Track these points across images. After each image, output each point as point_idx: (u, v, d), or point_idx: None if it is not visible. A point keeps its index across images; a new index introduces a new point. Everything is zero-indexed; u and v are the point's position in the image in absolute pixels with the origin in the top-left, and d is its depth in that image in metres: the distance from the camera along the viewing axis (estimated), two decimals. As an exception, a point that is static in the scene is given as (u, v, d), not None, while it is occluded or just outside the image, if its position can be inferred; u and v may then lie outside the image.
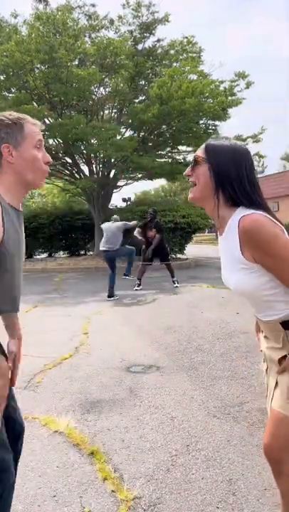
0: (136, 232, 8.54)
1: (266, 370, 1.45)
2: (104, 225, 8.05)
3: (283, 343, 1.32)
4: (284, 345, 1.32)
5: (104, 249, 7.69)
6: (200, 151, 1.34)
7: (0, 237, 1.21)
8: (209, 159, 1.30)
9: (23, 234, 1.42)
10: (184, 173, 1.38)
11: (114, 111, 15.57)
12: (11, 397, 1.46)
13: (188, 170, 1.36)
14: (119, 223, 7.96)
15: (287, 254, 1.20)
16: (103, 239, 7.80)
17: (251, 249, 1.23)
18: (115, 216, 8.49)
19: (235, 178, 1.27)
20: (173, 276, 8.70)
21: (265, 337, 1.46)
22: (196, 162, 1.33)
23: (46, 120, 13.71)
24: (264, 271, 1.25)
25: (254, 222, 1.21)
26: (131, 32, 14.00)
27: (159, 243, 8.73)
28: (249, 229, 1.21)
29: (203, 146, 1.35)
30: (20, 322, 1.58)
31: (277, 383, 1.33)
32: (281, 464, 1.33)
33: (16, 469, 1.43)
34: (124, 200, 16.15)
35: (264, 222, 1.21)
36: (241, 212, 1.25)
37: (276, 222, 1.24)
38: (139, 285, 8.54)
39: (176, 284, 8.55)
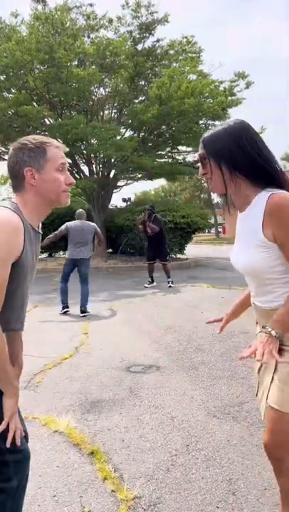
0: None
1: (259, 368, 1.45)
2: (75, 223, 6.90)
3: None
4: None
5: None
6: (200, 149, 1.38)
7: (19, 253, 1.26)
8: (209, 152, 1.34)
9: (38, 254, 1.48)
10: (199, 175, 1.42)
11: (114, 111, 15.57)
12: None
13: (201, 170, 1.41)
14: (92, 224, 6.92)
15: None
16: (74, 243, 6.84)
17: (274, 226, 1.25)
18: (81, 210, 7.23)
19: (241, 156, 1.29)
20: (168, 277, 8.66)
21: (259, 332, 1.45)
22: (202, 161, 1.38)
23: (46, 120, 13.71)
24: (279, 253, 1.27)
25: (283, 199, 1.24)
26: (130, 32, 13.99)
27: (161, 239, 8.74)
28: (277, 205, 1.23)
29: (201, 144, 1.39)
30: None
31: (273, 379, 1.33)
32: (282, 462, 1.34)
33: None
34: (124, 200, 16.17)
35: None
36: (268, 190, 1.28)
37: None
38: (151, 282, 8.76)
39: (171, 285, 8.50)
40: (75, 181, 1.43)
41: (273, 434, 1.33)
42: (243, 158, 1.29)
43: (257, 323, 1.49)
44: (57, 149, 1.37)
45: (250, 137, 1.31)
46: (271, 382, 1.33)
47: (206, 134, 1.38)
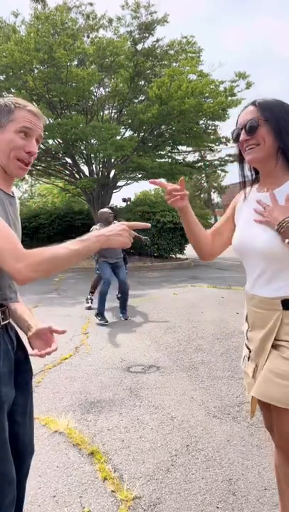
0: None
1: (247, 355, 1.40)
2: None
3: (272, 326, 1.26)
4: (272, 327, 1.26)
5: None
6: (254, 113, 1.29)
7: None
8: (269, 117, 1.26)
9: (18, 221, 1.36)
10: (241, 139, 1.31)
11: (113, 111, 15.57)
12: (20, 412, 1.34)
13: (243, 136, 1.30)
14: None
15: None
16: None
17: None
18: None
19: None
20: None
21: (246, 319, 1.40)
22: (253, 124, 1.27)
23: (46, 120, 13.71)
24: None
25: None
26: (130, 32, 14.00)
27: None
28: None
29: (251, 107, 1.30)
30: None
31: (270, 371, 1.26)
32: None
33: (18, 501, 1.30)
34: (124, 200, 16.13)
35: None
36: None
37: None
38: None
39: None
40: (36, 151, 1.30)
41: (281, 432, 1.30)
42: None
43: (246, 319, 1.40)
44: (28, 112, 1.26)
45: None
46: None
47: (262, 100, 1.30)
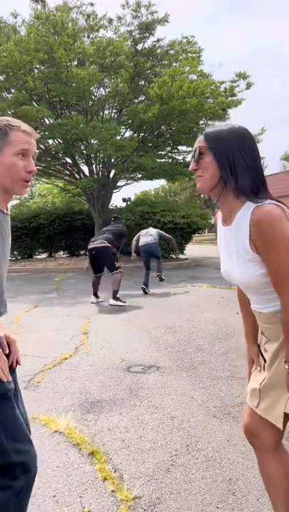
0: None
1: (263, 366, 1.41)
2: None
3: (283, 338, 1.29)
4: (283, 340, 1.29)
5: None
6: (201, 142, 1.30)
7: None
8: (212, 147, 1.27)
9: (9, 236, 1.41)
10: (190, 169, 1.34)
11: (113, 111, 15.57)
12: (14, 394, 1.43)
13: (192, 165, 1.32)
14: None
15: (283, 258, 1.17)
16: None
17: (256, 240, 1.22)
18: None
19: (240, 161, 1.25)
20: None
21: (262, 332, 1.43)
22: (200, 154, 1.29)
23: (46, 120, 13.70)
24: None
25: (266, 214, 1.19)
26: (130, 32, 13.99)
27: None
28: (259, 220, 1.19)
29: (201, 136, 1.31)
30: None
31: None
32: None
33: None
34: (124, 200, 16.16)
35: (275, 216, 1.19)
36: (252, 202, 1.23)
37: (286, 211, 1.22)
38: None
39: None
40: (35, 169, 1.35)
41: None
42: (240, 163, 1.25)
43: (262, 332, 1.43)
44: (22, 133, 1.30)
45: (251, 145, 1.28)
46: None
47: (210, 129, 1.32)
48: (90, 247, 6.95)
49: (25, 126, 1.31)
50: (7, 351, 1.38)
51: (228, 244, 1.35)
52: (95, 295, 6.89)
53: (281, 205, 1.22)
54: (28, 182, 1.33)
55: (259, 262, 1.24)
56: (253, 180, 1.26)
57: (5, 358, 1.34)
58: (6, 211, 1.37)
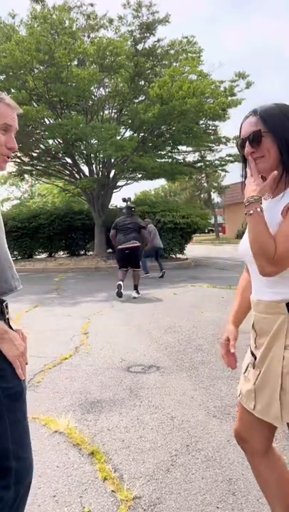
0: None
1: (248, 364, 1.38)
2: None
3: (277, 329, 1.25)
4: (278, 331, 1.25)
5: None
6: (253, 124, 1.27)
7: None
8: (272, 127, 1.25)
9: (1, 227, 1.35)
10: (246, 151, 1.30)
11: (113, 111, 15.57)
12: None
13: (248, 148, 1.28)
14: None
15: None
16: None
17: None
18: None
19: None
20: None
21: (253, 328, 1.38)
22: (255, 137, 1.26)
23: (46, 120, 13.71)
24: None
25: None
26: (131, 32, 13.99)
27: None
28: None
29: (253, 118, 1.28)
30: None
31: (281, 392, 1.24)
32: None
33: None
34: (124, 200, 16.16)
35: None
36: None
37: None
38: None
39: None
40: (16, 146, 1.29)
41: None
42: None
43: (253, 328, 1.38)
44: (6, 106, 1.24)
45: None
46: (280, 397, 1.25)
47: (263, 109, 1.28)
48: (122, 246, 7.59)
49: (8, 99, 1.26)
50: (22, 348, 1.31)
51: (265, 215, 1.32)
52: (120, 288, 7.47)
53: None
54: (8, 158, 1.27)
55: None
56: None
57: (26, 354, 1.29)
58: None
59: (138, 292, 7.61)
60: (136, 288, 7.64)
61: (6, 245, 1.32)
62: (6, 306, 1.30)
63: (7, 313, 1.30)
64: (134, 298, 7.39)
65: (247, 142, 1.29)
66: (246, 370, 1.40)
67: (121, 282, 7.45)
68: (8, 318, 1.31)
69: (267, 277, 1.27)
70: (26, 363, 1.34)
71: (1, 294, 1.25)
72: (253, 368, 1.35)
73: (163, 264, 10.66)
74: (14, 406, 1.21)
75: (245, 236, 1.36)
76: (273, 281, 1.27)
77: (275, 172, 1.25)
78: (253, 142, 1.27)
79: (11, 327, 1.32)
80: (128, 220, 7.87)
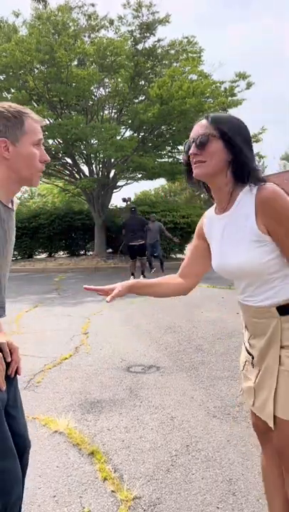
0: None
1: (247, 360, 1.40)
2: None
3: (272, 333, 1.26)
4: (273, 334, 1.26)
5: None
6: (207, 127, 1.26)
7: None
8: (223, 132, 1.24)
9: (13, 231, 1.35)
10: (190, 152, 1.28)
11: (113, 111, 15.57)
12: (11, 405, 1.36)
13: (193, 149, 1.27)
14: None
15: None
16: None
17: (267, 220, 1.20)
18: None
19: (247, 149, 1.25)
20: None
21: (245, 327, 1.40)
22: (203, 139, 1.25)
23: (46, 120, 13.70)
24: (273, 246, 1.22)
25: (274, 192, 1.20)
26: (131, 32, 13.98)
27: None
28: (269, 198, 1.19)
29: (204, 121, 1.28)
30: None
31: (276, 389, 1.26)
32: None
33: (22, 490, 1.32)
34: (124, 200, 16.16)
35: (282, 193, 1.20)
36: (253, 185, 1.24)
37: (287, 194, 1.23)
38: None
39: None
40: (49, 159, 1.32)
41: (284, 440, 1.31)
42: (246, 149, 1.25)
43: (246, 327, 1.40)
44: (35, 123, 1.27)
45: (248, 132, 1.29)
46: (275, 392, 1.27)
47: (216, 114, 1.29)
48: (131, 243, 9.96)
49: (33, 114, 1.28)
50: (9, 359, 1.33)
51: (225, 230, 1.32)
52: (133, 275, 9.71)
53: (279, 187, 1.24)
54: (41, 173, 1.30)
55: (268, 243, 1.22)
56: (253, 165, 1.26)
57: (4, 365, 1.28)
58: (11, 206, 1.32)
59: (144, 276, 9.52)
60: (143, 273, 9.86)
61: (5, 268, 1.32)
62: None
63: None
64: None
65: (193, 144, 1.28)
66: (244, 367, 1.43)
67: (132, 277, 9.15)
68: None
69: (252, 287, 1.31)
70: (13, 374, 1.35)
71: None
72: (253, 367, 1.37)
73: (163, 263, 11.22)
74: None
75: (223, 252, 1.35)
76: (261, 290, 1.30)
77: None
78: (200, 145, 1.26)
79: None
80: (135, 224, 10.03)
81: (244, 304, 1.36)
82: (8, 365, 1.34)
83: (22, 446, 1.38)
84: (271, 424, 1.29)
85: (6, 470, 1.20)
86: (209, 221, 1.43)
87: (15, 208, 1.37)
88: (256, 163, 1.29)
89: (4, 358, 1.32)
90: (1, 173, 1.23)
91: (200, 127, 1.27)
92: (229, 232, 1.30)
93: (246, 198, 1.24)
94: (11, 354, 1.38)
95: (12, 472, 1.21)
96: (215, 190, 1.32)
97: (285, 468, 1.35)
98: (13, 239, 1.37)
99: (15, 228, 1.38)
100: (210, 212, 1.44)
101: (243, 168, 1.25)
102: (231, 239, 1.29)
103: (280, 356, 1.26)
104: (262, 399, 1.32)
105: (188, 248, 1.56)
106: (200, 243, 1.49)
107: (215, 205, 1.41)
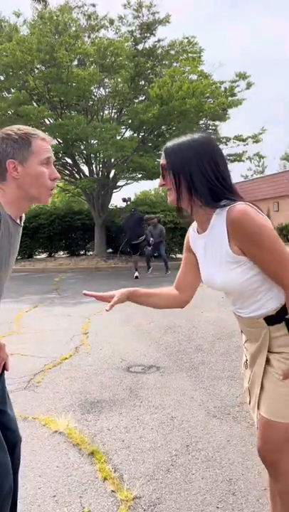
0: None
1: (245, 361, 1.46)
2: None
3: (262, 340, 1.32)
4: (264, 340, 1.32)
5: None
6: (162, 158, 1.33)
7: None
8: (169, 163, 1.29)
9: (17, 247, 1.41)
10: (158, 185, 1.36)
11: (114, 111, 15.57)
12: (1, 402, 1.42)
13: (160, 181, 1.35)
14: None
15: (273, 245, 1.18)
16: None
17: (239, 241, 1.21)
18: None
19: (199, 178, 1.24)
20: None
21: (241, 332, 1.47)
22: (162, 170, 1.33)
23: (46, 120, 13.71)
24: (251, 264, 1.24)
25: (241, 212, 1.19)
26: (131, 32, 13.98)
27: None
28: (237, 219, 1.19)
29: (163, 153, 1.33)
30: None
31: (262, 386, 1.33)
32: (275, 466, 1.34)
33: (14, 483, 1.36)
34: (124, 200, 16.16)
35: (250, 212, 1.19)
36: (223, 207, 1.23)
37: (259, 211, 1.22)
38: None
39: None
40: (59, 176, 1.34)
41: (264, 441, 1.34)
42: (199, 177, 1.24)
43: (242, 331, 1.48)
44: (42, 141, 1.31)
45: (213, 159, 1.27)
46: (261, 389, 1.33)
47: (170, 144, 1.32)
48: (133, 242, 10.63)
49: (42, 134, 1.32)
50: None
51: (206, 250, 1.35)
52: (136, 270, 10.28)
53: (251, 204, 1.22)
54: (52, 190, 1.34)
55: (245, 263, 1.23)
56: (216, 190, 1.25)
57: None
58: (19, 222, 1.37)
59: (136, 270, 10.29)
60: (148, 264, 11.17)
61: (4, 280, 1.36)
62: None
63: None
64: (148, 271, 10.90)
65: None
66: (244, 365, 1.50)
67: (136, 273, 10.14)
68: None
69: (238, 301, 1.36)
70: (7, 368, 1.42)
71: None
72: (246, 368, 1.46)
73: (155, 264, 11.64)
74: None
75: (206, 270, 1.38)
76: (246, 303, 1.34)
77: None
78: (161, 175, 1.33)
79: None
80: (133, 225, 10.70)
81: (236, 314, 1.43)
82: None
83: (13, 441, 1.43)
84: (255, 422, 1.38)
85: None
86: (193, 236, 1.45)
87: (22, 224, 1.42)
88: (226, 182, 1.27)
89: None
90: (11, 192, 1.28)
91: (162, 158, 1.34)
92: (210, 253, 1.34)
93: (218, 220, 1.25)
94: None
95: (2, 465, 1.26)
96: (192, 213, 1.35)
97: (269, 472, 1.38)
98: (17, 251, 1.42)
99: (19, 240, 1.43)
100: (194, 227, 1.45)
101: (204, 194, 1.25)
102: (212, 260, 1.33)
103: (269, 359, 1.32)
104: (253, 400, 1.39)
105: (182, 259, 1.59)
106: (190, 255, 1.52)
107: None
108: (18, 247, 1.42)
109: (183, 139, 1.32)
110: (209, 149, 1.28)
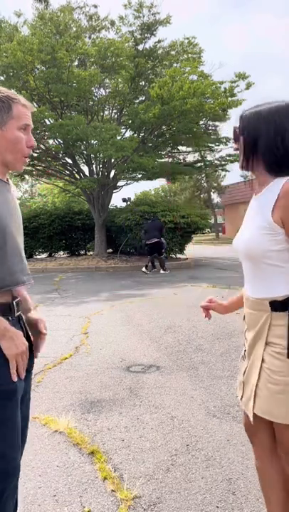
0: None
1: (244, 352, 1.43)
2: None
3: (261, 325, 1.29)
4: (261, 328, 1.29)
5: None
6: (237, 123, 1.38)
7: None
8: (242, 128, 1.35)
9: (16, 204, 1.37)
10: (234, 149, 1.44)
11: (114, 111, 15.57)
12: (23, 399, 1.36)
13: (234, 145, 1.42)
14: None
15: None
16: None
17: (284, 212, 1.24)
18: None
19: (268, 144, 1.29)
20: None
21: (244, 319, 1.44)
22: (235, 135, 1.39)
23: (47, 120, 13.71)
24: (281, 238, 1.25)
25: None
26: (132, 32, 13.99)
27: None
28: None
29: (239, 116, 1.38)
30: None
31: (257, 386, 1.30)
32: None
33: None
34: (124, 200, 16.16)
35: None
36: (283, 177, 1.27)
37: None
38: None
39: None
40: (35, 144, 1.34)
41: (280, 444, 1.34)
42: (266, 145, 1.29)
43: (244, 318, 1.44)
44: (23, 108, 1.29)
45: (284, 129, 1.29)
46: (256, 388, 1.31)
47: (247, 109, 1.37)
48: (147, 243, 11.34)
49: (23, 100, 1.31)
50: (24, 348, 1.26)
51: (250, 211, 1.40)
52: (146, 267, 11.30)
53: None
54: (26, 158, 1.33)
55: (277, 234, 1.25)
56: (280, 159, 1.28)
57: (27, 353, 1.27)
58: (6, 181, 1.35)
59: (165, 270, 11.27)
60: (162, 267, 11.39)
61: (20, 239, 1.34)
62: (17, 304, 1.31)
63: (17, 310, 1.31)
64: (162, 272, 11.16)
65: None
66: (241, 359, 1.48)
67: (144, 268, 11.15)
68: (19, 316, 1.34)
69: (252, 274, 1.35)
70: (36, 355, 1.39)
71: (5, 286, 1.26)
72: (243, 360, 1.42)
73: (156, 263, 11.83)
74: (1, 404, 1.20)
75: (241, 230, 1.42)
76: (259, 279, 1.33)
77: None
78: (234, 138, 1.40)
79: (23, 324, 1.35)
80: (151, 227, 11.62)
81: (245, 295, 1.41)
82: (31, 348, 1.36)
83: (22, 425, 1.39)
84: (252, 419, 1.34)
85: (11, 459, 1.22)
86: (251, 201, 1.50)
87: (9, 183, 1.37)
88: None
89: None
90: None
91: (237, 121, 1.40)
92: (251, 213, 1.38)
93: (274, 187, 1.28)
94: (38, 328, 1.43)
95: (15, 461, 1.25)
96: (255, 176, 1.40)
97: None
98: (19, 215, 1.39)
99: (17, 202, 1.40)
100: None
101: (270, 161, 1.30)
102: (250, 221, 1.36)
103: (263, 354, 1.30)
104: (247, 394, 1.36)
105: None
106: None
107: None
108: (18, 208, 1.39)
109: (261, 105, 1.35)
110: (282, 119, 1.30)
